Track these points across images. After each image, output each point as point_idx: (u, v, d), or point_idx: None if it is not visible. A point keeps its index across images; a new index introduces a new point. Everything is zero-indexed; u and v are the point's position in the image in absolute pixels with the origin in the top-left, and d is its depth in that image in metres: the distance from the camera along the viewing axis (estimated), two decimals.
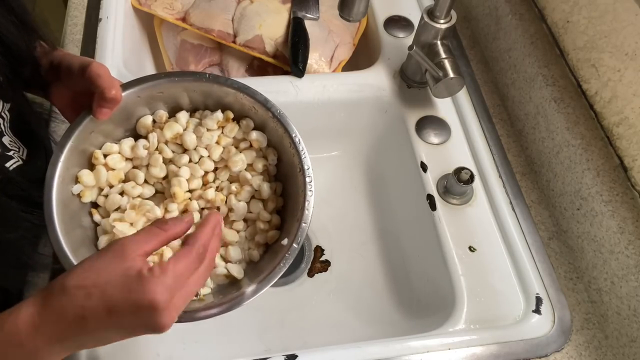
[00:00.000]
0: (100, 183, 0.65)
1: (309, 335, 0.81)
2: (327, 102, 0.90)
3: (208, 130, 0.67)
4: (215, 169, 0.69)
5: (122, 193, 0.66)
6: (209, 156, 0.67)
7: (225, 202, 0.67)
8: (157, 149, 0.67)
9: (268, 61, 0.94)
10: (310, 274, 0.87)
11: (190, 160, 0.67)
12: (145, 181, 0.67)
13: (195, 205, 0.66)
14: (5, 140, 0.62)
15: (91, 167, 0.65)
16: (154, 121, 0.68)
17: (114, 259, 0.47)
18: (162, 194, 0.68)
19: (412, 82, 0.91)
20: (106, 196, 0.65)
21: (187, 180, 0.66)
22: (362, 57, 1.02)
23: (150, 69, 1.05)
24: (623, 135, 0.70)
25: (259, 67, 0.98)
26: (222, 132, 0.68)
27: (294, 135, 0.65)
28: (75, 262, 0.56)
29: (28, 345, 0.45)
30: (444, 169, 0.83)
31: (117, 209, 0.65)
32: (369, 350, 0.68)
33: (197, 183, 0.67)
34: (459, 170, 0.78)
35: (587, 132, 0.76)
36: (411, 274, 0.85)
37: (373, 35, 1.01)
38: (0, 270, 0.61)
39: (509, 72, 0.91)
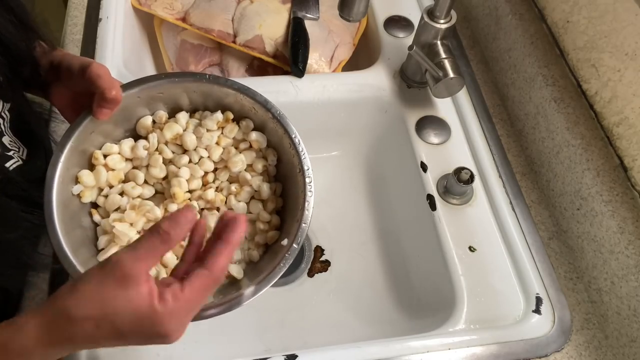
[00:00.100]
0: (100, 183, 0.65)
1: (309, 335, 0.81)
2: (327, 102, 0.90)
3: (208, 130, 0.67)
4: (215, 170, 0.69)
5: (122, 193, 0.66)
6: (208, 157, 0.67)
7: (225, 202, 0.67)
8: (157, 149, 0.67)
9: (268, 61, 0.93)
10: (310, 274, 0.87)
11: (190, 161, 0.67)
12: (145, 181, 0.67)
13: (195, 205, 0.66)
14: (5, 140, 0.62)
15: (91, 167, 0.65)
16: (153, 122, 0.68)
17: (118, 286, 0.44)
18: (162, 195, 0.68)
19: (412, 82, 0.91)
20: (106, 196, 0.65)
21: (187, 180, 0.66)
22: (362, 57, 1.01)
23: (150, 69, 1.05)
24: (623, 135, 0.70)
25: (259, 67, 0.98)
26: (222, 133, 0.68)
27: (293, 136, 0.65)
28: (75, 263, 0.56)
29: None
30: (444, 169, 0.83)
31: (117, 209, 0.65)
32: (369, 350, 0.68)
33: (197, 183, 0.67)
34: (459, 170, 0.78)
35: (587, 132, 0.76)
36: (411, 274, 0.85)
37: (373, 35, 1.01)
38: (0, 270, 0.61)
39: (509, 72, 0.91)
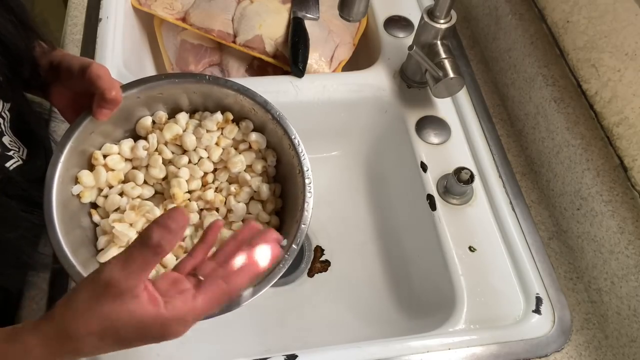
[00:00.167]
0: (99, 184, 0.65)
1: (309, 335, 0.81)
2: (327, 102, 0.90)
3: (207, 131, 0.67)
4: (215, 170, 0.69)
5: (121, 194, 0.66)
6: (208, 157, 0.68)
7: (225, 203, 0.67)
8: (156, 149, 0.67)
9: (268, 61, 0.93)
10: (310, 274, 0.87)
11: (189, 161, 0.67)
12: (145, 182, 0.67)
13: (194, 206, 0.66)
14: (5, 140, 0.62)
15: (91, 167, 0.65)
16: (153, 122, 0.68)
17: (116, 303, 0.43)
18: (162, 195, 0.68)
19: (412, 82, 0.91)
20: (106, 197, 0.65)
21: (186, 181, 0.66)
22: (362, 57, 1.01)
23: (150, 69, 1.05)
24: (623, 135, 0.70)
25: (259, 67, 0.98)
26: (222, 134, 0.68)
27: (293, 137, 0.65)
28: (74, 263, 0.56)
29: None
30: (444, 169, 0.83)
31: (116, 210, 0.65)
32: (369, 350, 0.68)
33: (196, 184, 0.67)
34: (459, 170, 0.78)
35: (587, 132, 0.75)
36: (411, 274, 0.85)
37: (373, 35, 1.01)
38: (0, 269, 0.61)
39: (509, 72, 0.91)
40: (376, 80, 0.92)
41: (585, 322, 0.73)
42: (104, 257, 0.62)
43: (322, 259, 0.89)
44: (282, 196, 0.70)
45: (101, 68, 0.60)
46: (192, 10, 0.96)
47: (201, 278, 0.52)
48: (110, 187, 0.66)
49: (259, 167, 0.68)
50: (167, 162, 0.68)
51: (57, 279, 0.71)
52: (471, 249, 0.76)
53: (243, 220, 0.68)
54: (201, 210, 0.67)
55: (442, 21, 0.80)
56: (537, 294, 0.73)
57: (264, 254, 0.51)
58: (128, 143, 0.67)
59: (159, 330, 0.45)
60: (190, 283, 0.51)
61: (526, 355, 0.69)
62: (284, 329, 0.82)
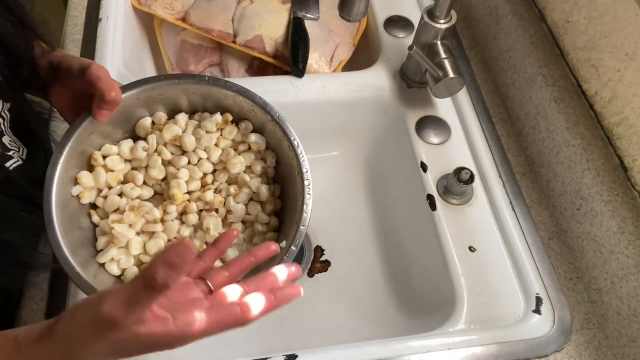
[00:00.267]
0: (99, 184, 0.65)
1: (309, 335, 0.81)
2: (327, 102, 0.90)
3: (207, 132, 0.67)
4: (214, 171, 0.69)
5: (121, 194, 0.66)
6: (207, 158, 0.68)
7: (224, 204, 0.67)
8: (156, 150, 0.67)
9: (268, 61, 0.93)
10: (310, 274, 0.87)
11: (189, 162, 0.67)
12: (144, 182, 0.67)
13: (193, 206, 0.66)
14: (5, 140, 0.62)
15: (90, 168, 0.65)
16: (153, 123, 0.68)
17: (119, 332, 0.42)
18: (161, 196, 0.68)
19: (412, 82, 0.91)
20: (105, 197, 0.65)
21: (185, 182, 0.66)
22: (362, 57, 1.01)
23: (150, 69, 1.05)
24: (623, 135, 0.70)
25: (259, 67, 0.98)
26: (221, 134, 0.68)
27: (292, 138, 0.65)
28: (74, 264, 0.56)
29: None
30: (444, 169, 0.83)
31: (116, 210, 0.65)
32: (369, 350, 0.68)
33: (195, 185, 0.67)
34: (459, 170, 0.78)
35: (587, 132, 0.75)
36: (411, 274, 0.85)
37: (373, 35, 1.01)
38: (0, 269, 0.61)
39: (509, 72, 0.91)
40: (376, 80, 0.91)
41: (585, 322, 0.73)
42: (103, 258, 0.62)
43: (322, 259, 0.89)
44: (281, 197, 0.70)
45: (101, 69, 0.60)
46: (192, 10, 0.96)
47: (211, 286, 0.52)
48: (110, 187, 0.66)
49: (258, 168, 0.68)
50: (166, 163, 0.67)
51: (57, 279, 0.71)
52: (471, 249, 0.76)
53: (243, 222, 0.68)
54: (200, 211, 0.67)
55: (442, 21, 0.80)
56: (537, 294, 0.73)
57: (285, 293, 0.50)
58: (127, 144, 0.67)
59: (166, 345, 0.45)
60: (199, 289, 0.52)
61: (526, 355, 0.69)
62: (284, 329, 0.82)
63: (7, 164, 0.61)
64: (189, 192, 0.67)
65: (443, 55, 0.81)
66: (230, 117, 0.68)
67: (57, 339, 0.43)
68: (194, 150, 0.67)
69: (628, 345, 0.68)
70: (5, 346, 0.45)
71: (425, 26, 0.81)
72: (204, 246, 0.65)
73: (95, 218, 0.65)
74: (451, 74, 0.79)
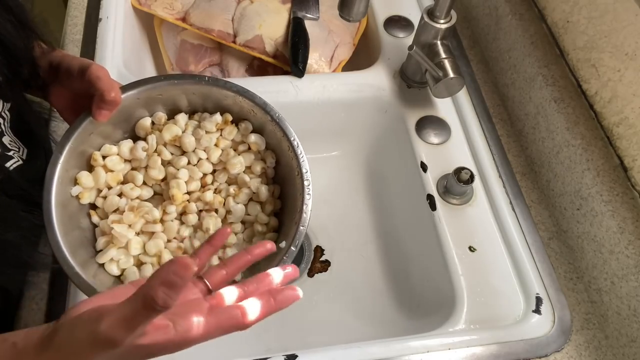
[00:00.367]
0: (99, 184, 0.65)
1: (309, 335, 0.81)
2: (327, 102, 0.90)
3: (207, 132, 0.67)
4: (214, 171, 0.69)
5: (120, 194, 0.66)
6: (207, 158, 0.67)
7: (224, 204, 0.67)
8: (155, 150, 0.67)
9: (268, 61, 0.93)
10: (310, 274, 0.87)
11: (188, 162, 0.67)
12: (144, 183, 0.67)
13: (193, 207, 0.66)
14: (5, 140, 0.62)
15: (90, 168, 0.65)
16: (152, 123, 0.68)
17: (119, 348, 0.41)
18: (161, 196, 0.68)
19: (412, 82, 0.91)
20: (105, 198, 0.65)
21: (185, 182, 0.66)
22: (362, 57, 1.01)
23: (150, 69, 1.05)
24: (623, 135, 0.70)
25: (259, 67, 0.98)
26: (221, 135, 0.68)
27: (292, 138, 0.65)
28: (73, 264, 0.56)
29: None
30: (444, 169, 0.83)
31: (115, 211, 0.65)
32: (369, 350, 0.68)
33: (195, 185, 0.67)
34: (459, 170, 0.78)
35: (587, 132, 0.75)
36: (411, 274, 0.85)
37: (373, 35, 1.01)
38: (0, 269, 0.61)
39: (509, 72, 0.91)
40: (376, 80, 0.91)
41: (585, 322, 0.73)
42: (103, 258, 0.62)
43: (322, 259, 0.89)
44: (281, 197, 0.70)
45: (100, 69, 0.60)
46: (192, 10, 0.96)
47: (209, 285, 0.52)
48: (110, 188, 0.66)
49: (258, 168, 0.68)
50: (166, 163, 0.67)
51: (57, 279, 0.71)
52: (471, 249, 0.76)
53: (243, 222, 0.68)
54: (200, 211, 0.67)
55: (442, 21, 0.80)
56: (537, 294, 0.73)
57: (285, 296, 0.49)
58: (127, 144, 0.67)
59: (167, 350, 0.44)
60: (198, 288, 0.52)
61: (526, 355, 0.69)
62: (284, 329, 0.82)
63: (7, 164, 0.61)
64: (188, 193, 0.67)
65: (443, 55, 0.81)
66: (230, 118, 0.68)
67: (56, 351, 0.43)
68: (193, 151, 0.67)
69: (628, 345, 0.68)
70: (4, 353, 0.45)
71: (425, 26, 0.81)
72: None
73: (95, 218, 0.65)
74: (451, 74, 0.79)
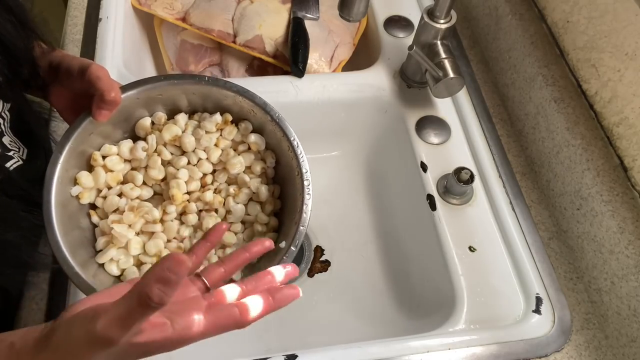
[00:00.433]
0: (98, 184, 0.65)
1: (309, 335, 0.81)
2: (327, 102, 0.90)
3: (207, 132, 0.67)
4: (214, 171, 0.69)
5: (120, 194, 0.66)
6: (207, 158, 0.67)
7: (224, 204, 0.67)
8: (155, 150, 0.67)
9: (268, 61, 0.93)
10: (310, 274, 0.87)
11: (188, 162, 0.67)
12: (144, 183, 0.67)
13: (193, 207, 0.66)
14: (6, 140, 0.62)
15: (90, 168, 0.65)
16: (152, 123, 0.68)
17: (116, 347, 0.41)
18: (161, 196, 0.68)
19: (412, 82, 0.91)
20: (105, 198, 0.65)
21: (185, 182, 0.66)
22: (362, 57, 1.01)
23: (150, 69, 1.05)
24: (623, 135, 0.70)
25: (259, 67, 0.98)
26: (221, 135, 0.68)
27: (292, 138, 0.65)
28: (73, 264, 0.56)
29: None
30: (444, 169, 0.83)
31: (115, 211, 0.65)
32: (369, 350, 0.68)
33: (195, 185, 0.67)
34: (459, 170, 0.78)
35: (587, 132, 0.75)
36: (411, 274, 0.85)
37: (373, 35, 1.01)
38: (0, 269, 0.61)
39: (509, 72, 0.91)
40: (376, 80, 0.91)
41: (585, 322, 0.73)
42: (103, 258, 0.62)
43: (322, 259, 0.89)
44: (281, 197, 0.70)
45: (100, 69, 0.60)
46: (192, 10, 0.96)
47: (207, 283, 0.52)
48: (109, 188, 0.66)
49: (258, 168, 0.68)
50: (166, 163, 0.67)
51: (57, 279, 0.71)
52: (471, 249, 0.76)
53: (243, 222, 0.68)
54: (200, 211, 0.67)
55: (442, 21, 0.80)
56: (537, 294, 0.73)
57: (284, 295, 0.49)
58: (127, 144, 0.67)
59: (164, 349, 0.44)
60: (196, 286, 0.51)
61: (526, 355, 0.69)
62: (284, 329, 0.82)
63: (7, 164, 0.61)
64: (188, 193, 0.67)
65: (443, 55, 0.81)
66: (229, 118, 0.68)
67: (54, 351, 0.43)
68: (193, 151, 0.67)
69: (628, 345, 0.68)
70: (2, 353, 0.45)
71: (425, 26, 0.81)
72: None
73: (95, 218, 0.65)
74: (451, 74, 0.79)
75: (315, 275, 0.87)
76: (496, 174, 0.83)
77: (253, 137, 0.68)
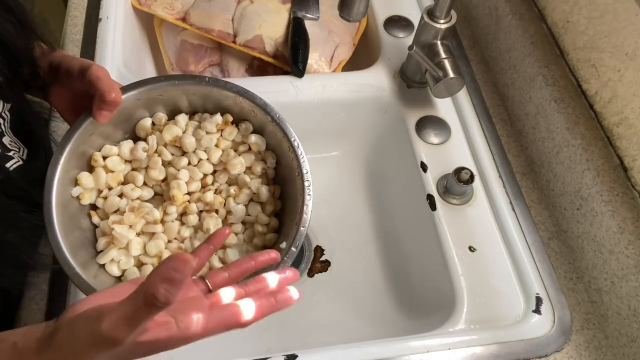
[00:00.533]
0: (99, 185, 0.65)
1: (309, 335, 0.82)
2: (327, 102, 0.90)
3: (207, 133, 0.67)
4: (214, 172, 0.69)
5: (121, 195, 0.66)
6: (207, 159, 0.67)
7: (224, 204, 0.67)
8: (156, 151, 0.67)
9: (268, 61, 0.93)
10: (310, 274, 0.87)
11: (189, 163, 0.67)
12: (145, 183, 0.67)
13: (193, 207, 0.66)
14: (6, 140, 0.62)
15: (90, 169, 0.65)
16: (153, 123, 0.68)
17: (121, 347, 0.42)
18: (161, 197, 0.68)
19: (412, 82, 0.91)
20: (105, 198, 0.65)
21: (186, 182, 0.66)
22: (362, 57, 1.01)
23: (150, 69, 1.05)
24: (623, 135, 0.70)
25: (259, 67, 0.98)
26: (221, 135, 0.68)
27: (292, 139, 0.65)
28: (74, 265, 0.56)
29: None
30: (444, 169, 0.83)
31: (116, 211, 0.65)
32: (369, 350, 0.68)
33: (196, 186, 0.67)
34: (459, 170, 0.78)
35: (587, 132, 0.75)
36: (411, 274, 0.85)
37: (373, 35, 1.01)
38: (0, 270, 0.61)
39: (509, 72, 0.91)
40: (376, 80, 0.91)
41: (585, 322, 0.73)
42: (104, 259, 0.62)
43: (322, 259, 0.89)
44: (281, 198, 0.70)
45: (101, 70, 0.60)
46: (192, 10, 0.96)
47: (210, 285, 0.52)
48: (110, 188, 0.66)
49: (258, 169, 0.68)
50: (166, 164, 0.67)
51: (57, 280, 0.71)
52: (471, 249, 0.76)
53: (243, 222, 0.68)
54: (200, 211, 0.67)
55: (442, 21, 0.80)
56: (537, 294, 0.73)
57: (285, 297, 0.50)
58: (128, 144, 0.67)
59: (168, 346, 0.45)
60: (199, 288, 0.52)
61: (526, 355, 0.69)
62: (284, 329, 0.82)
63: (8, 165, 0.61)
64: (189, 193, 0.67)
65: (443, 55, 0.81)
66: (230, 118, 0.68)
67: (56, 350, 0.43)
68: (194, 151, 0.67)
69: (628, 345, 0.69)
70: (5, 353, 0.45)
71: (425, 26, 0.81)
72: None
73: (96, 219, 0.65)
74: (451, 74, 0.79)
75: (315, 275, 0.87)
76: (496, 174, 0.83)
77: (253, 138, 0.68)
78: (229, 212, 0.67)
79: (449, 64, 0.80)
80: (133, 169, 0.68)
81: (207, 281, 0.53)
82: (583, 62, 0.77)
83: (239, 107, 0.67)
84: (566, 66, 0.81)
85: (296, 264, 0.87)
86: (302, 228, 0.61)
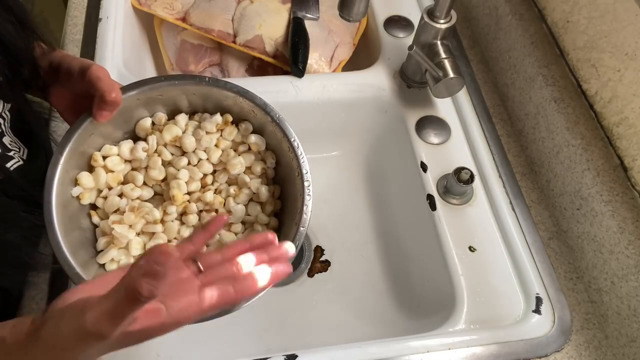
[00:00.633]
0: (99, 185, 0.65)
1: (309, 335, 0.82)
2: (327, 102, 0.90)
3: (207, 133, 0.67)
4: (214, 172, 0.69)
5: (121, 195, 0.66)
6: (207, 159, 0.68)
7: (224, 204, 0.67)
8: (156, 151, 0.67)
9: (268, 61, 0.93)
10: (310, 274, 0.87)
11: (189, 163, 0.67)
12: (144, 183, 0.67)
13: (193, 207, 0.66)
14: (6, 140, 0.62)
15: (90, 169, 0.65)
16: (153, 123, 0.68)
17: (116, 343, 0.42)
18: (161, 196, 0.68)
19: (412, 82, 0.91)
20: (105, 198, 0.65)
21: (185, 182, 0.66)
22: (362, 57, 1.01)
23: (150, 69, 1.05)
24: (623, 135, 0.70)
25: (259, 67, 0.98)
26: (221, 135, 0.68)
27: (292, 139, 0.65)
28: (74, 264, 0.56)
29: None
30: (444, 169, 0.83)
31: (116, 211, 0.65)
32: (369, 350, 0.68)
33: (195, 185, 0.67)
34: (459, 170, 0.78)
35: (587, 132, 0.75)
36: (411, 274, 0.85)
37: (373, 35, 1.01)
38: (0, 270, 0.61)
39: (509, 72, 0.91)
40: (376, 80, 0.91)
41: (585, 322, 0.73)
42: (104, 259, 0.62)
43: (322, 259, 0.89)
44: (281, 198, 0.70)
45: (101, 70, 0.60)
46: (192, 10, 0.96)
47: (201, 267, 0.52)
48: (110, 188, 0.66)
49: (258, 169, 0.68)
50: (166, 164, 0.68)
51: (57, 280, 0.71)
52: (471, 249, 0.76)
53: (243, 222, 0.68)
54: (200, 211, 0.67)
55: (442, 21, 0.80)
56: (537, 294, 0.73)
57: (279, 270, 0.50)
58: (127, 144, 0.67)
59: (159, 333, 0.45)
60: (190, 270, 0.51)
61: (526, 355, 0.69)
62: (284, 329, 0.82)
63: (8, 165, 0.61)
64: (189, 193, 0.67)
65: (443, 55, 0.81)
66: (230, 118, 0.68)
67: (43, 346, 0.43)
68: (194, 151, 0.67)
69: (628, 345, 0.69)
70: None
71: (425, 26, 0.81)
72: (204, 247, 0.65)
73: (96, 219, 0.65)
74: (451, 74, 0.79)
75: (315, 275, 0.87)
76: (496, 174, 0.83)
77: (253, 138, 0.68)
78: (228, 212, 0.67)
79: (449, 64, 0.80)
80: (133, 169, 0.68)
81: (199, 264, 0.52)
82: (583, 62, 0.77)
83: (239, 107, 0.67)
84: (566, 66, 0.81)
85: (296, 264, 0.87)
86: (301, 228, 0.61)
